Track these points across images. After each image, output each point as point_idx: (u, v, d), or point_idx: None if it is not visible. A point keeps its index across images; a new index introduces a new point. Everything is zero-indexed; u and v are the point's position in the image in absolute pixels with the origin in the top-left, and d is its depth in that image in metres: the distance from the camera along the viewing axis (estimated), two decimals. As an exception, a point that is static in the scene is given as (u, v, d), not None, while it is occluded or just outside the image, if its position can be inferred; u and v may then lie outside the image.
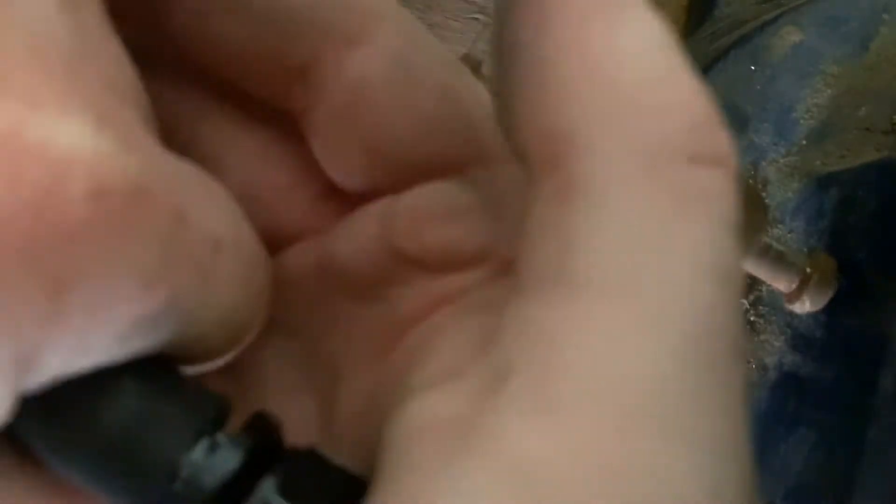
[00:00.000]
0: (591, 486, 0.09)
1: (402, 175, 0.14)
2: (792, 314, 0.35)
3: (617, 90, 0.10)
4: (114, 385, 0.11)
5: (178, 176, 0.10)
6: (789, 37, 0.38)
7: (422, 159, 0.14)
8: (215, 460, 0.11)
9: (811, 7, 0.38)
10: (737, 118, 0.37)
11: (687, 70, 0.10)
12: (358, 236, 0.15)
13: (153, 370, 0.11)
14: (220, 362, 0.12)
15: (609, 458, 0.10)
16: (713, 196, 0.10)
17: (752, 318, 0.37)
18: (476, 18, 0.46)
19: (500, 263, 0.14)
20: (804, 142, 0.38)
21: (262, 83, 0.14)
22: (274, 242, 0.15)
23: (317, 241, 0.16)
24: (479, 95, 0.15)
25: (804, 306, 0.33)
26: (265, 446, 0.12)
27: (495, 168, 0.14)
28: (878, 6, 0.39)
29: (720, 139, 0.10)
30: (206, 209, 0.11)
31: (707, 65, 0.38)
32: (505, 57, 0.12)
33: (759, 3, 0.43)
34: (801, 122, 0.38)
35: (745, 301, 0.37)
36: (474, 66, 0.29)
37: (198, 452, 0.11)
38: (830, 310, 0.34)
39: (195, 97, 0.15)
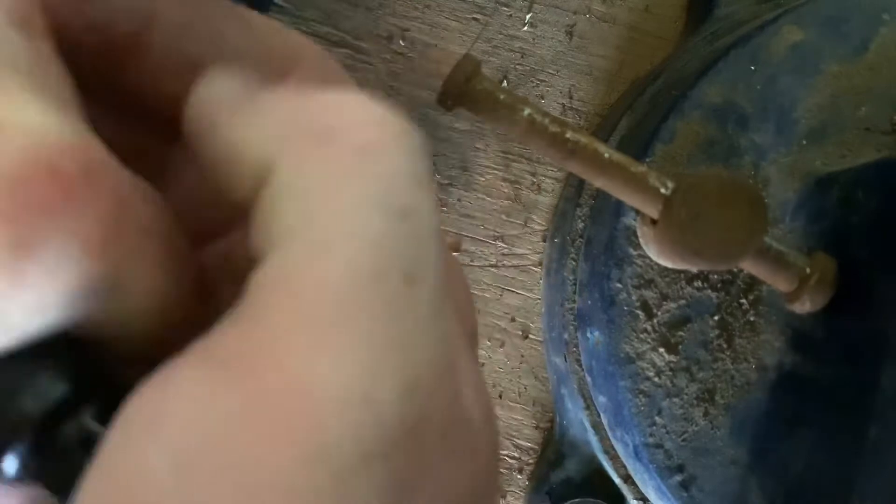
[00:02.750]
0: (274, 378, 0.11)
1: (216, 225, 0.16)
2: (792, 314, 0.35)
3: (294, 116, 0.13)
4: None
5: (120, 171, 0.12)
6: (789, 36, 0.38)
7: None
8: (41, 387, 0.12)
9: (811, 7, 0.38)
10: (737, 118, 0.37)
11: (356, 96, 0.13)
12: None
13: None
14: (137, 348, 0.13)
15: (286, 360, 0.11)
16: (381, 149, 0.13)
17: (752, 318, 0.37)
18: (475, 18, 0.46)
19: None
20: (804, 141, 0.38)
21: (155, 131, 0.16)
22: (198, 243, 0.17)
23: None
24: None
25: (804, 306, 0.33)
26: (91, 378, 0.13)
27: None
28: (878, 6, 0.39)
29: (372, 111, 0.13)
30: (139, 201, 0.12)
31: (707, 64, 0.38)
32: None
33: (758, 2, 0.43)
34: (802, 121, 0.38)
35: (745, 301, 0.37)
36: (475, 66, 0.29)
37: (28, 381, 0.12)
38: (831, 310, 0.34)
39: (145, 128, 0.16)
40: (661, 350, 0.37)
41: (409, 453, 0.12)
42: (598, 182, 0.30)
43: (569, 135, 0.30)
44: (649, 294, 0.37)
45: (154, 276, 0.13)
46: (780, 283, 0.32)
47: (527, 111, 0.29)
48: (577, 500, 0.44)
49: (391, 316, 0.12)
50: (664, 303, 0.37)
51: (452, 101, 0.29)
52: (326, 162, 0.12)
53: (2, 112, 0.11)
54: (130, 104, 0.16)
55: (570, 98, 0.46)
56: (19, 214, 0.11)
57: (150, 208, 0.13)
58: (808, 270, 0.32)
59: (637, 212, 0.31)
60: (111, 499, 0.11)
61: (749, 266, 0.32)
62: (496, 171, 0.46)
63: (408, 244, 0.12)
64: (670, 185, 0.30)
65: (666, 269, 0.32)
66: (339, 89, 0.13)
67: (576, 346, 0.42)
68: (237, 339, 0.12)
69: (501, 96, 0.30)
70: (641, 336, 0.37)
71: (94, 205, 0.11)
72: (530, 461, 0.47)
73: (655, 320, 0.37)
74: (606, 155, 0.30)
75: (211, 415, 0.11)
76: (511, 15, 0.46)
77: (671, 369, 0.37)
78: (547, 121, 0.30)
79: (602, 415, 0.41)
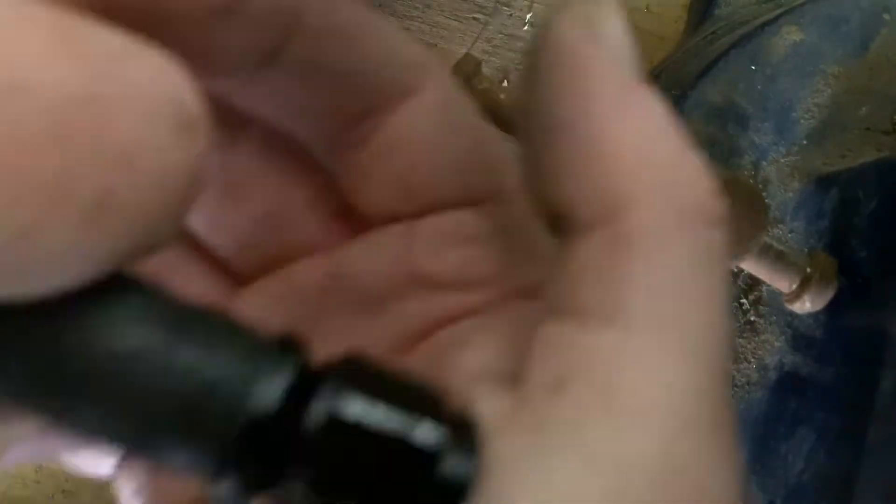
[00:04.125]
0: (659, 481, 0.11)
1: (425, 206, 0.16)
2: (793, 314, 0.35)
3: (655, 163, 0.13)
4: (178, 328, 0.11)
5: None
6: (789, 36, 0.38)
7: (447, 194, 0.16)
8: (272, 382, 0.11)
9: (811, 6, 0.38)
10: (737, 118, 0.37)
11: (698, 161, 0.13)
12: (375, 253, 0.16)
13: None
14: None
15: (690, 462, 0.12)
16: (722, 249, 0.13)
17: (752, 319, 0.37)
18: (475, 18, 0.46)
19: (505, 288, 0.16)
20: (804, 141, 0.38)
21: (313, 132, 0.16)
22: (287, 257, 0.16)
23: (327, 255, 0.17)
24: (499, 140, 0.17)
25: (805, 306, 0.33)
26: (306, 363, 0.12)
27: (506, 204, 0.16)
28: (878, 6, 0.39)
29: (719, 203, 0.13)
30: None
31: (707, 64, 0.38)
32: (541, 132, 0.13)
33: (759, 2, 0.43)
34: (802, 121, 0.38)
35: (745, 301, 0.37)
36: (475, 66, 0.29)
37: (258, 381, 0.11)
38: (831, 310, 0.34)
39: (224, 130, 0.16)
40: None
41: None
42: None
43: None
44: (649, 294, 0.37)
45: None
46: (780, 283, 0.32)
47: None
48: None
49: (730, 423, 0.13)
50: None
51: (453, 101, 0.30)
52: (687, 236, 0.12)
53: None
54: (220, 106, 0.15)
55: (571, 98, 0.46)
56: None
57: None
58: (808, 270, 0.32)
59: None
60: None
61: (749, 266, 0.32)
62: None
63: (726, 353, 0.13)
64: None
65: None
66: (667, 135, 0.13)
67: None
68: (630, 444, 0.12)
69: (501, 96, 0.30)
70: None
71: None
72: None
73: (656, 320, 0.37)
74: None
75: None
76: (512, 15, 0.46)
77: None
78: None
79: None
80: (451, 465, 0.11)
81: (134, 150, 0.10)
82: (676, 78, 0.41)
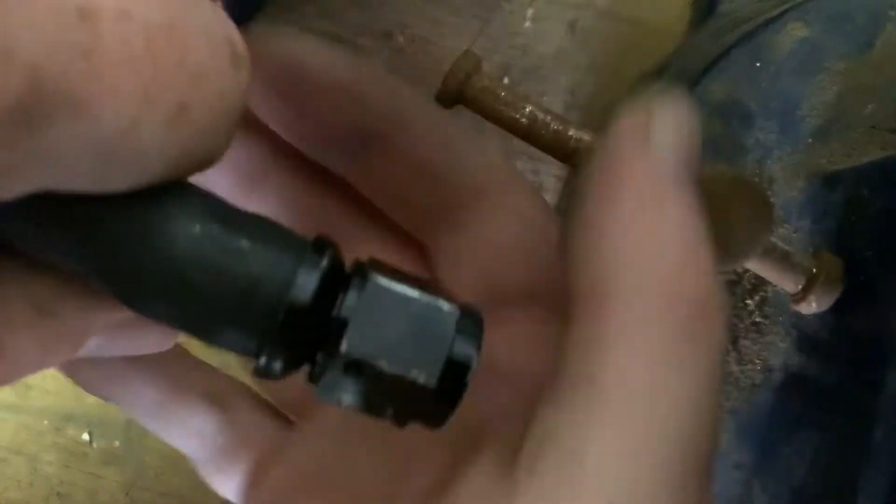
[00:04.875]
0: None
1: (500, 296, 0.18)
2: (798, 315, 0.35)
3: (653, 268, 0.14)
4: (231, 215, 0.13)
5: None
6: (794, 33, 0.38)
7: (521, 289, 0.18)
8: (304, 281, 0.12)
9: (816, 3, 0.38)
10: (741, 116, 0.37)
11: (705, 261, 0.14)
12: None
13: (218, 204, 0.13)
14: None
15: None
16: (709, 342, 0.14)
17: (757, 320, 0.37)
18: (476, 15, 0.45)
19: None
20: (810, 140, 0.37)
21: (414, 230, 0.19)
22: None
23: None
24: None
25: (811, 307, 0.32)
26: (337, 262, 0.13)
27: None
28: (884, 2, 0.38)
29: (716, 299, 0.14)
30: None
31: (710, 62, 0.38)
32: (574, 212, 0.15)
33: (763, -2, 0.42)
34: (807, 119, 0.37)
35: (750, 302, 0.37)
36: (475, 64, 0.29)
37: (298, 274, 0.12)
38: (837, 311, 0.33)
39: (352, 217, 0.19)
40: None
41: None
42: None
43: (571, 132, 0.29)
44: (653, 294, 0.37)
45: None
46: (786, 283, 0.32)
47: (528, 109, 0.29)
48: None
49: None
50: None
51: (452, 99, 0.29)
52: (670, 324, 0.13)
53: None
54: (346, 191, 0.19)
55: (573, 95, 0.46)
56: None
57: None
58: (814, 270, 0.32)
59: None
60: None
61: (755, 266, 0.32)
62: (497, 169, 0.46)
63: (709, 443, 0.14)
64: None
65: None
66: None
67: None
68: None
69: (502, 94, 0.29)
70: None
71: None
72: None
73: (659, 321, 0.37)
74: (610, 153, 0.30)
75: None
76: (512, 11, 0.45)
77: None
78: (549, 119, 0.29)
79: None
80: (461, 343, 0.13)
81: (203, 71, 0.11)
82: (680, 74, 0.40)
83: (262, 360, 0.13)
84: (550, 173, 0.46)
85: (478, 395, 0.16)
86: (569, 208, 0.15)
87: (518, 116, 0.29)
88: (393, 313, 0.13)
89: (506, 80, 0.45)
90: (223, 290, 0.12)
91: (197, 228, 0.12)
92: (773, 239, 0.31)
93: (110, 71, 0.10)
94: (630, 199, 0.14)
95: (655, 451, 0.13)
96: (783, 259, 0.31)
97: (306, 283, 0.12)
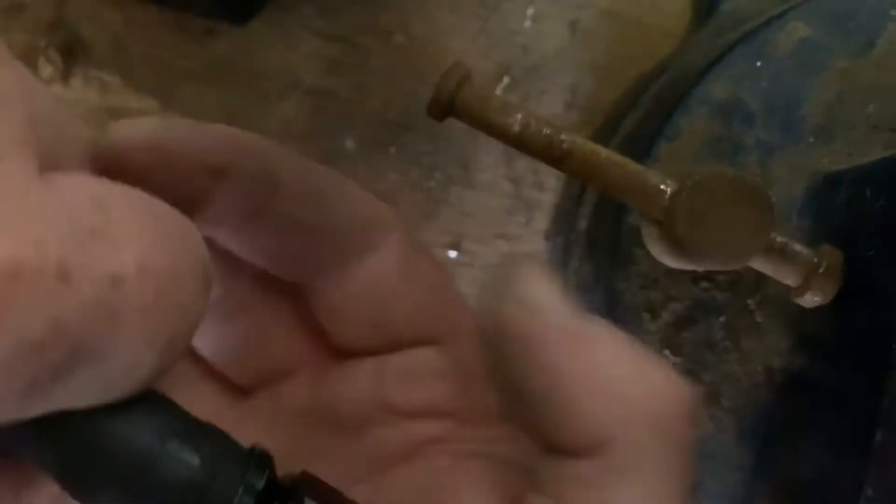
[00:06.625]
0: None
1: (393, 343, 0.19)
2: (800, 315, 0.35)
3: (625, 400, 0.15)
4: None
5: (59, 229, 0.11)
6: (796, 32, 0.38)
7: (411, 334, 0.19)
8: (251, 489, 0.14)
9: (818, 2, 0.38)
10: (743, 115, 0.37)
11: (653, 365, 0.16)
12: (351, 385, 0.19)
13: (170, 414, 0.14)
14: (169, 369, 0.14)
15: None
16: (688, 444, 0.16)
17: (758, 319, 0.37)
18: (477, 14, 0.45)
19: (464, 416, 0.19)
20: (811, 139, 0.37)
21: (291, 276, 0.19)
22: (277, 371, 0.19)
23: (311, 380, 0.20)
24: (454, 285, 0.20)
25: (814, 298, 0.32)
26: (272, 481, 0.15)
27: (461, 341, 0.19)
28: (885, 1, 0.38)
29: (686, 403, 0.16)
30: (97, 248, 0.11)
31: (712, 60, 0.38)
32: (514, 381, 0.16)
33: (764, -3, 0.42)
34: (808, 119, 0.37)
35: (751, 302, 0.37)
36: (464, 75, 0.29)
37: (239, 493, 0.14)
38: (839, 311, 0.33)
39: (222, 265, 0.19)
40: (666, 352, 0.37)
41: None
42: (598, 183, 0.30)
43: (563, 136, 0.29)
44: (654, 294, 0.37)
45: (143, 316, 0.13)
46: (787, 277, 0.32)
47: (519, 116, 0.29)
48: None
49: None
50: (669, 303, 0.37)
51: (443, 111, 0.29)
52: (658, 453, 0.15)
53: None
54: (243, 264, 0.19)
55: (573, 94, 0.45)
56: None
57: (106, 247, 0.13)
58: (815, 260, 0.32)
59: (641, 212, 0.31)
60: None
61: (756, 262, 0.32)
62: (497, 169, 0.45)
63: None
64: (671, 183, 0.30)
65: (671, 269, 0.32)
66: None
67: (578, 346, 0.41)
68: None
69: (492, 102, 0.29)
70: (646, 337, 0.37)
71: (28, 298, 0.11)
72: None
73: (660, 321, 0.37)
74: (603, 155, 0.30)
75: None
76: (513, 10, 0.45)
77: (676, 371, 0.37)
78: (540, 125, 0.29)
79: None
80: None
81: (191, 303, 0.13)
82: (681, 74, 0.40)
83: None
84: (551, 173, 0.45)
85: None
86: (499, 378, 0.17)
87: (509, 124, 0.29)
88: None
89: (506, 80, 0.45)
90: (172, 495, 0.13)
91: (157, 443, 0.13)
92: (774, 234, 0.31)
93: (128, 323, 0.11)
94: (562, 355, 0.16)
95: None
96: (783, 252, 0.31)
97: (248, 498, 0.14)
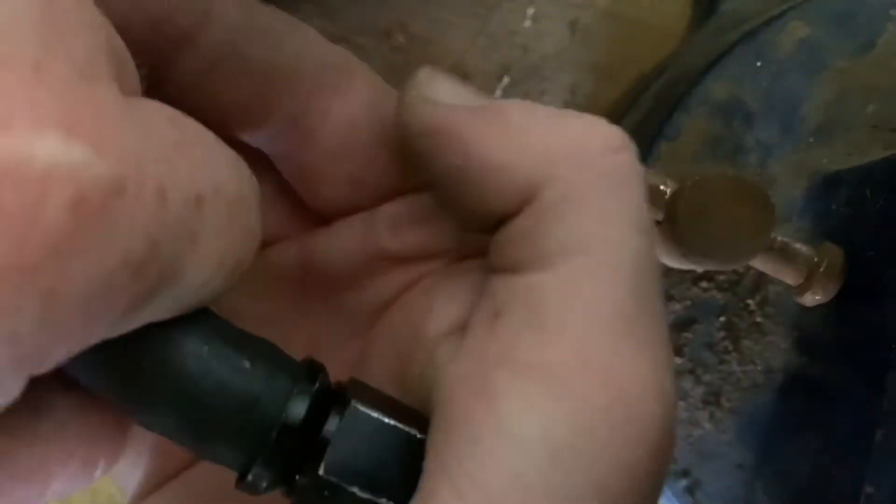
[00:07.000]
0: (575, 379, 0.13)
1: (379, 196, 0.18)
2: (800, 315, 0.35)
3: (545, 147, 0.15)
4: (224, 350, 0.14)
5: (151, 147, 0.11)
6: (796, 32, 0.38)
7: (396, 183, 0.18)
8: (296, 403, 0.14)
9: (818, 2, 0.38)
10: (742, 115, 0.37)
11: (573, 115, 0.16)
12: (342, 239, 0.18)
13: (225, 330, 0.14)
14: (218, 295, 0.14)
15: (602, 359, 0.13)
16: (628, 173, 0.15)
17: (758, 320, 0.37)
18: (477, 14, 0.45)
19: (452, 255, 0.18)
20: (811, 139, 0.37)
21: (255, 132, 0.17)
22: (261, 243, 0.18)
23: (297, 242, 0.19)
24: None
25: (816, 297, 0.32)
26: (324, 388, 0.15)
27: None
28: (885, 1, 0.38)
29: (617, 134, 0.15)
30: (184, 168, 0.11)
31: (712, 60, 0.38)
32: (447, 178, 0.16)
33: (764, -3, 0.42)
34: (808, 119, 0.37)
35: (751, 302, 0.37)
36: (462, 77, 0.29)
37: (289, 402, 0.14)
38: (839, 310, 0.33)
39: None
40: (666, 352, 0.37)
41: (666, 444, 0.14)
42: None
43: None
44: (654, 295, 0.37)
45: (217, 239, 0.13)
46: (787, 276, 0.32)
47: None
48: None
49: (655, 322, 0.14)
50: (669, 304, 0.37)
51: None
52: (589, 185, 0.14)
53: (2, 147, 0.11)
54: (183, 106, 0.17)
55: (574, 94, 0.45)
56: (36, 267, 0.11)
57: (190, 167, 0.13)
58: (816, 259, 0.32)
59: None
60: None
61: (756, 261, 0.32)
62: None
63: (650, 257, 0.15)
64: (671, 183, 0.30)
65: (671, 269, 0.32)
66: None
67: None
68: (548, 350, 0.14)
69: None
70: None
71: (129, 218, 0.11)
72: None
73: (660, 321, 0.37)
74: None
75: (552, 431, 0.13)
76: (512, 10, 0.45)
77: (676, 371, 0.37)
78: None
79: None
80: None
81: (253, 227, 0.13)
82: (681, 74, 0.40)
83: (250, 476, 0.14)
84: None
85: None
86: (423, 170, 0.16)
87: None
88: (369, 439, 0.14)
89: (506, 80, 0.45)
90: (224, 404, 0.13)
91: (205, 349, 0.13)
92: (774, 233, 0.31)
93: (203, 244, 0.11)
94: (480, 131, 0.15)
95: (608, 286, 0.14)
96: (783, 251, 0.31)
97: (299, 405, 0.14)
